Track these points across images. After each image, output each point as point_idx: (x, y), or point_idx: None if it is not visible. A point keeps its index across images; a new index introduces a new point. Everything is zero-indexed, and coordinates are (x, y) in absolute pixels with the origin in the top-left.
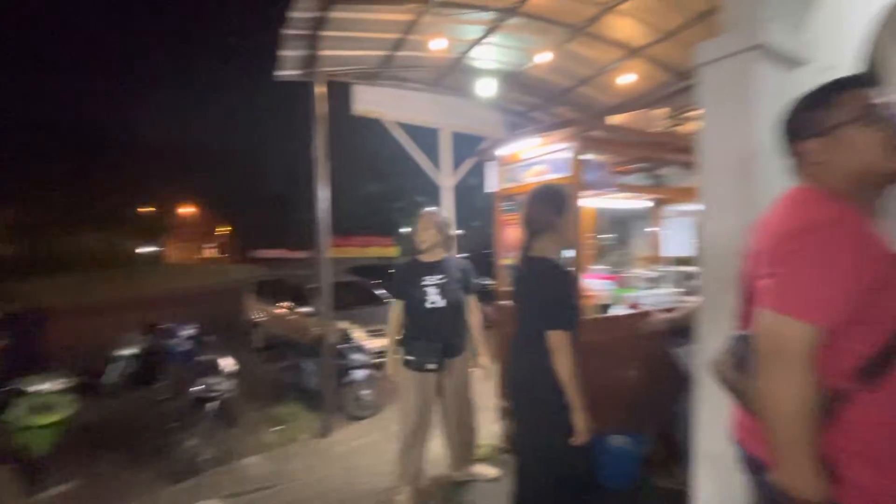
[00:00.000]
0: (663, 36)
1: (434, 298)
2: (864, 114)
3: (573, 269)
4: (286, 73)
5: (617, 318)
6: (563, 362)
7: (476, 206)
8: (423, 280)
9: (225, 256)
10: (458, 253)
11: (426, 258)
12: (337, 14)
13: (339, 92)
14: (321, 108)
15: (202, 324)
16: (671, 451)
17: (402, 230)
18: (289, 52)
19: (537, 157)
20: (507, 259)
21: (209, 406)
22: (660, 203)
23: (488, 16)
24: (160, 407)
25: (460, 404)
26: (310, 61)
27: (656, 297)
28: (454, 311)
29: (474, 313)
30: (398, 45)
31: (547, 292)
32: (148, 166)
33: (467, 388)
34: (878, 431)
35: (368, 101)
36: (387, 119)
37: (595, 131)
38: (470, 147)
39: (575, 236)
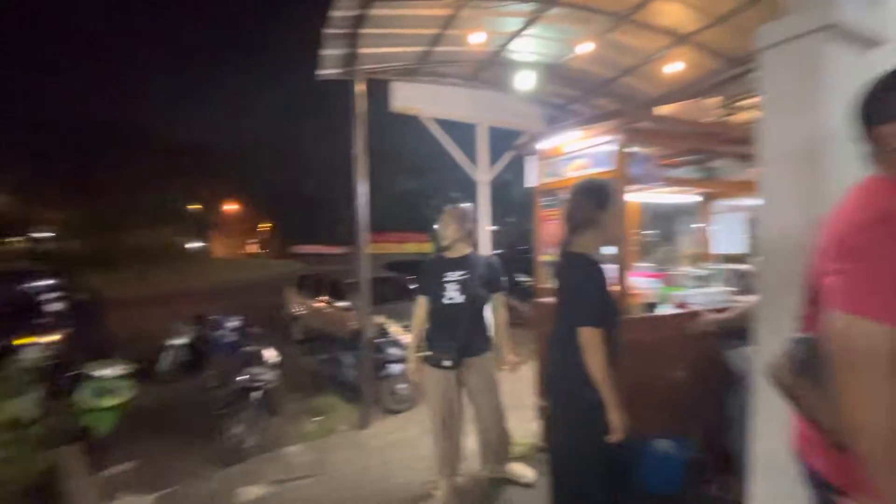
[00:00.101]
0: (714, 21)
1: (452, 294)
2: None
3: (618, 265)
4: (327, 71)
5: (664, 317)
6: (595, 359)
7: (511, 202)
8: (445, 276)
9: (266, 251)
10: (493, 249)
11: (451, 254)
12: (376, 11)
13: (376, 89)
14: (360, 105)
15: (246, 316)
16: (720, 457)
17: (436, 226)
18: (329, 52)
19: (579, 151)
20: (547, 256)
21: (253, 395)
22: (709, 197)
23: (528, 7)
24: (208, 394)
25: (490, 405)
26: (349, 60)
27: (706, 297)
28: (473, 308)
29: (500, 311)
30: (436, 40)
31: (579, 288)
32: (194, 165)
33: (495, 388)
34: None
35: (406, 97)
36: (424, 115)
37: (642, 123)
38: (506, 142)
39: (620, 232)
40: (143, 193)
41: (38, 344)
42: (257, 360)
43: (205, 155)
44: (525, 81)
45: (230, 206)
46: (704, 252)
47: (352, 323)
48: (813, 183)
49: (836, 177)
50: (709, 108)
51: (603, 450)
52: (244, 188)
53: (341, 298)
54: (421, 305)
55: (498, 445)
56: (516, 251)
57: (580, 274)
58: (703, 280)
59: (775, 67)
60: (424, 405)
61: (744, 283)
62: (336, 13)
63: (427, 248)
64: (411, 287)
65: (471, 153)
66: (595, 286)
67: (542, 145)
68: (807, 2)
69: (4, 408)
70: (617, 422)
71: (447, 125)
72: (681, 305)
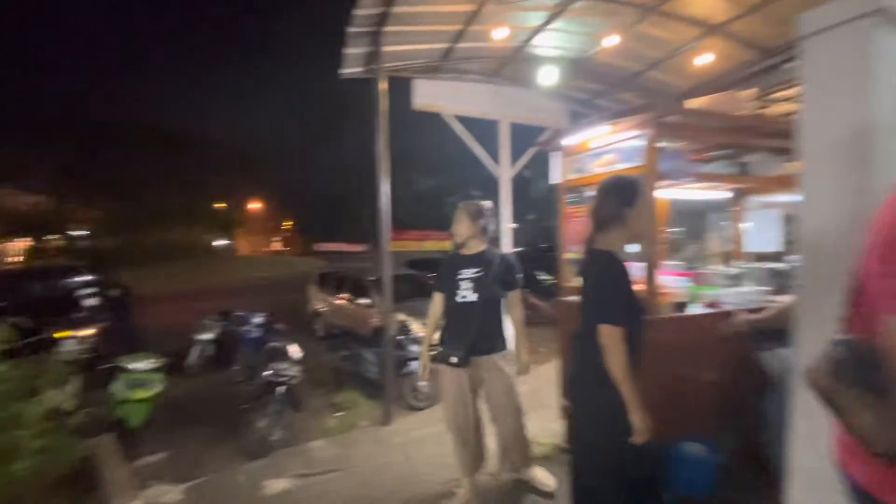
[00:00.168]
0: (747, 10)
1: (465, 293)
2: None
3: (646, 263)
4: (350, 70)
5: (695, 317)
6: (615, 358)
7: (531, 199)
8: (460, 273)
9: (289, 249)
10: (514, 247)
11: (466, 251)
12: (399, 8)
13: (396, 86)
14: (383, 103)
15: (270, 312)
16: (753, 462)
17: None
18: (352, 50)
19: (607, 146)
20: (572, 253)
21: (278, 390)
22: (741, 194)
23: (552, 0)
24: (234, 389)
25: (505, 406)
26: (372, 58)
27: (739, 296)
28: (486, 307)
29: (516, 309)
30: (459, 36)
31: (601, 285)
32: (220, 164)
33: (511, 389)
34: None
35: (428, 94)
36: (446, 112)
37: (672, 116)
38: (527, 139)
39: (647, 230)
40: (172, 192)
41: (76, 337)
42: (282, 355)
43: (230, 154)
44: (548, 77)
45: (254, 205)
46: (735, 250)
47: (373, 320)
48: (859, 178)
49: (885, 171)
50: (742, 100)
51: (624, 452)
52: (267, 187)
53: (362, 295)
54: (436, 302)
55: (516, 449)
56: (537, 249)
57: (603, 271)
58: (734, 279)
59: (818, 56)
60: (442, 403)
61: (778, 282)
62: (359, 11)
63: (447, 245)
64: (431, 284)
65: (492, 150)
66: (617, 284)
67: (567, 141)
68: None
69: (46, 398)
70: (639, 423)
71: (468, 122)
72: (712, 305)
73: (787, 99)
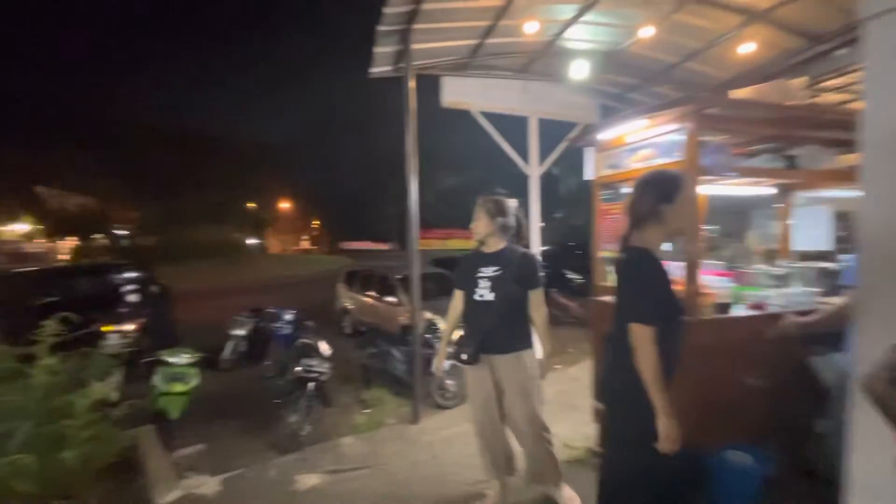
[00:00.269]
0: None
1: (482, 291)
2: None
3: (686, 262)
4: (379, 69)
5: (740, 319)
6: (646, 360)
7: (558, 196)
8: (479, 272)
9: (317, 248)
10: (542, 245)
11: (486, 249)
12: (429, 5)
13: (421, 84)
14: (412, 102)
15: (300, 309)
16: (804, 474)
17: None
18: (381, 49)
19: (644, 141)
20: (606, 252)
21: (309, 386)
22: (788, 189)
23: None
24: (266, 383)
25: (523, 411)
26: (401, 56)
27: (786, 298)
28: (503, 306)
29: (538, 309)
30: (488, 32)
31: (635, 283)
32: (252, 165)
33: (530, 392)
34: None
35: (457, 92)
36: (475, 110)
37: (715, 108)
38: (556, 136)
39: (686, 227)
40: (207, 193)
41: (120, 331)
42: (312, 352)
43: (261, 155)
44: (579, 71)
45: (284, 204)
46: (780, 249)
47: (400, 318)
48: None
49: None
50: (793, 90)
51: (658, 458)
52: (296, 186)
53: (389, 294)
54: (456, 300)
55: (538, 458)
56: (565, 247)
57: (637, 269)
58: (780, 279)
59: (882, 40)
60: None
61: (829, 283)
62: (389, 9)
63: (471, 244)
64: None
65: (520, 147)
66: (652, 282)
67: (602, 136)
68: None
69: (93, 389)
70: (665, 430)
71: (496, 119)
72: (757, 307)
73: (837, 88)
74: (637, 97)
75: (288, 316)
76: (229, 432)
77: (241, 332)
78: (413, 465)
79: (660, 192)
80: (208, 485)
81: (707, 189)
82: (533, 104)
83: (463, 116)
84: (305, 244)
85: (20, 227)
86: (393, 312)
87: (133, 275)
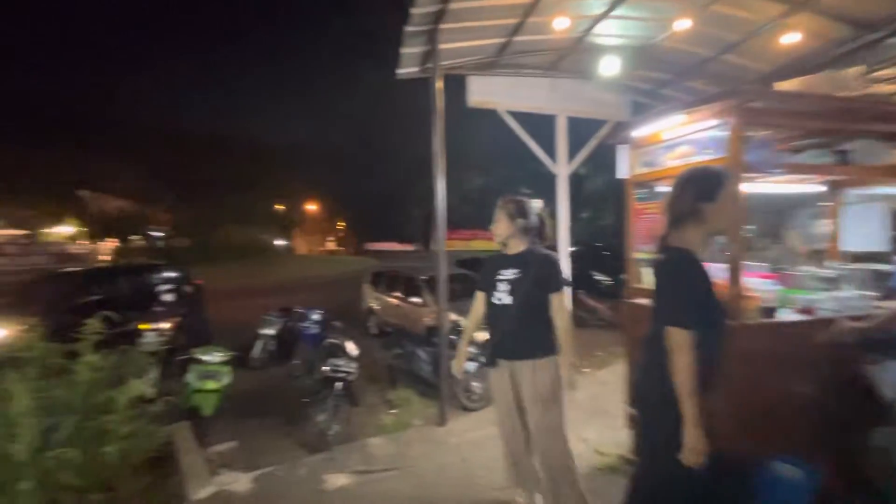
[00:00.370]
0: None
1: (500, 295)
2: None
3: (728, 264)
4: (406, 70)
5: (789, 324)
6: (681, 365)
7: (585, 196)
8: (499, 274)
9: (342, 249)
10: (570, 246)
11: (508, 251)
12: (457, 4)
13: (447, 84)
14: (439, 103)
15: (327, 309)
16: (857, 488)
17: None
18: (408, 50)
19: (682, 137)
20: (641, 253)
21: (336, 385)
22: (838, 186)
23: None
24: (295, 383)
25: (542, 421)
26: (428, 56)
27: (839, 302)
28: (521, 310)
29: (560, 313)
30: (516, 29)
31: (673, 285)
32: (280, 167)
33: (550, 401)
34: None
35: (484, 91)
36: (501, 109)
37: (760, 101)
38: (584, 134)
39: (728, 227)
40: (237, 196)
41: (156, 329)
42: (340, 351)
43: (288, 158)
44: (610, 67)
45: (310, 206)
46: (829, 249)
47: (425, 319)
48: None
49: None
50: (847, 80)
51: (693, 469)
52: (322, 188)
53: (415, 294)
54: (478, 301)
55: (555, 479)
56: (593, 248)
57: (675, 270)
58: (830, 282)
59: None
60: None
61: (884, 286)
62: (417, 10)
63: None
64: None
65: (547, 146)
66: (691, 284)
67: (636, 133)
68: None
69: (132, 386)
70: (691, 441)
71: (523, 118)
72: (806, 311)
73: (889, 79)
74: (670, 93)
75: (316, 316)
76: (259, 430)
77: (270, 331)
78: (441, 467)
79: (700, 189)
80: (241, 482)
81: (751, 187)
82: (561, 102)
83: (489, 116)
84: (331, 245)
85: (65, 230)
86: (418, 313)
87: (168, 275)
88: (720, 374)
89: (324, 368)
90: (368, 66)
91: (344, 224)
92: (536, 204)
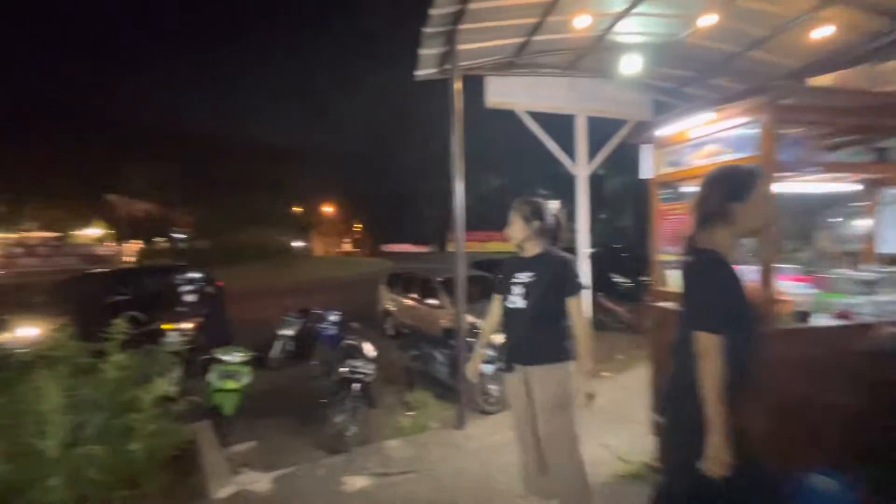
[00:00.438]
0: None
1: (515, 298)
2: None
3: (761, 266)
4: (424, 72)
5: (826, 329)
6: (709, 371)
7: (604, 197)
8: (514, 277)
9: (359, 250)
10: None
11: (524, 254)
12: (475, 5)
13: (464, 84)
14: (458, 104)
15: (344, 311)
16: None
17: None
18: (427, 51)
19: (710, 136)
20: (666, 255)
21: (354, 387)
22: (875, 185)
23: None
24: (313, 383)
25: (552, 429)
26: (446, 57)
27: (879, 306)
28: (535, 315)
29: (576, 317)
30: (535, 29)
31: (701, 288)
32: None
33: (561, 409)
34: None
35: (502, 92)
36: (520, 109)
37: (793, 98)
38: (604, 134)
39: (760, 228)
40: (256, 198)
41: (179, 329)
42: (357, 353)
43: (305, 160)
44: (631, 66)
45: (327, 208)
46: (867, 251)
47: (441, 320)
48: None
49: None
50: (883, 75)
51: (720, 479)
52: (338, 190)
53: (431, 296)
54: (495, 304)
55: (566, 489)
56: (612, 250)
57: (704, 273)
58: (868, 285)
59: None
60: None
61: None
62: (435, 11)
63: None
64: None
65: (567, 147)
66: (720, 287)
67: (661, 132)
68: None
69: (156, 385)
70: (714, 450)
71: (541, 118)
72: (843, 315)
73: None
74: (693, 91)
75: (333, 317)
76: (279, 430)
77: (289, 332)
78: (459, 471)
79: (730, 189)
80: (261, 482)
81: (783, 187)
82: (580, 102)
83: (507, 116)
84: (347, 246)
85: (93, 232)
86: (434, 315)
87: (191, 276)
88: (752, 381)
89: (341, 369)
90: (386, 67)
91: (360, 226)
92: (553, 205)
